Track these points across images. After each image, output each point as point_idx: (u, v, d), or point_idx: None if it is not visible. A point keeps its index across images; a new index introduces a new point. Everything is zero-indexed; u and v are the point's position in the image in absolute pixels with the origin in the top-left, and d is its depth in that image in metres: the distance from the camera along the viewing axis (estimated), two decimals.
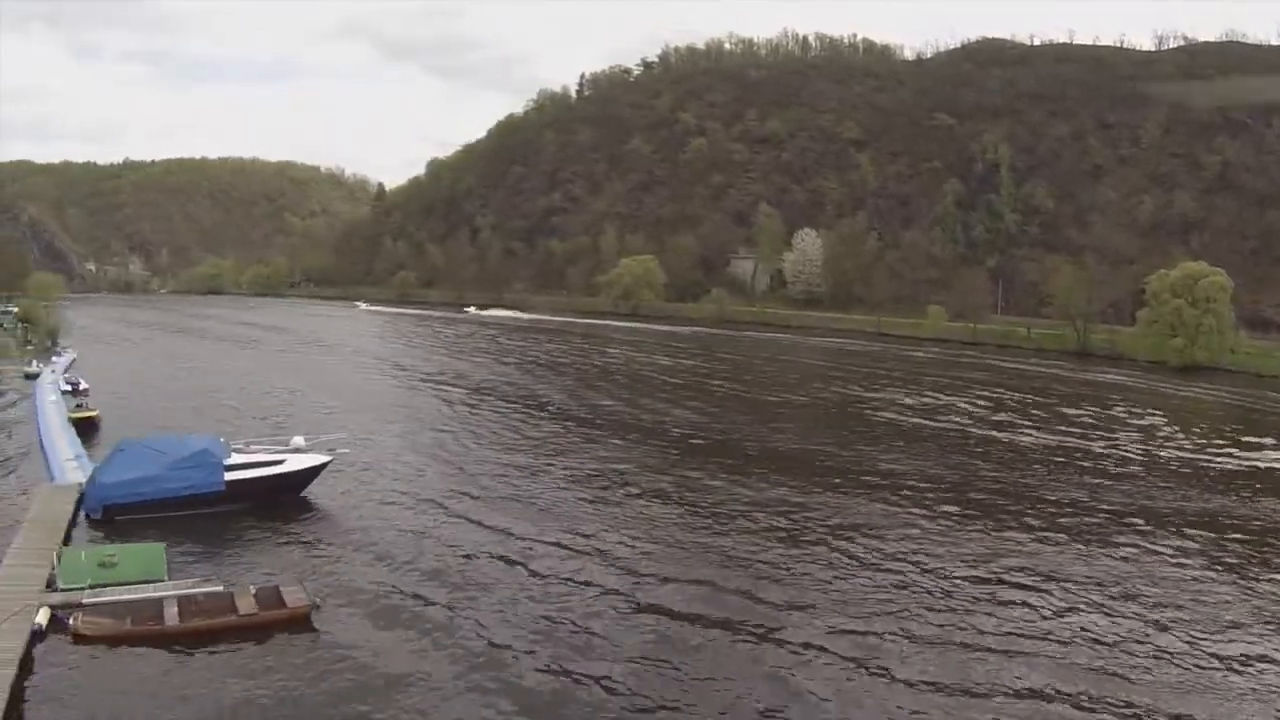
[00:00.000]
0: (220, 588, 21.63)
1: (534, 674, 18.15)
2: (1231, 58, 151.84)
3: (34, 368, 62.01)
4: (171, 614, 20.16)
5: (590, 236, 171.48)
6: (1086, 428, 51.20)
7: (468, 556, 24.75)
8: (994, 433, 48.69)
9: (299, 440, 30.49)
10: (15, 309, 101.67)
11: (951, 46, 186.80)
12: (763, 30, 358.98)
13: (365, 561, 24.48)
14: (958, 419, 52.84)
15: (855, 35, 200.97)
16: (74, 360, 67.36)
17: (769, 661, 18.84)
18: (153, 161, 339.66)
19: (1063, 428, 50.96)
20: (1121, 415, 56.53)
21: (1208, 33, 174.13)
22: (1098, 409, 58.78)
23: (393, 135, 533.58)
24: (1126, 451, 44.58)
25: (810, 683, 17.91)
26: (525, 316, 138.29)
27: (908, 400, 59.47)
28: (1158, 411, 58.84)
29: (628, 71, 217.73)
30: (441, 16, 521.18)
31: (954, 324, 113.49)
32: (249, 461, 29.22)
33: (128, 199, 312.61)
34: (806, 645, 19.51)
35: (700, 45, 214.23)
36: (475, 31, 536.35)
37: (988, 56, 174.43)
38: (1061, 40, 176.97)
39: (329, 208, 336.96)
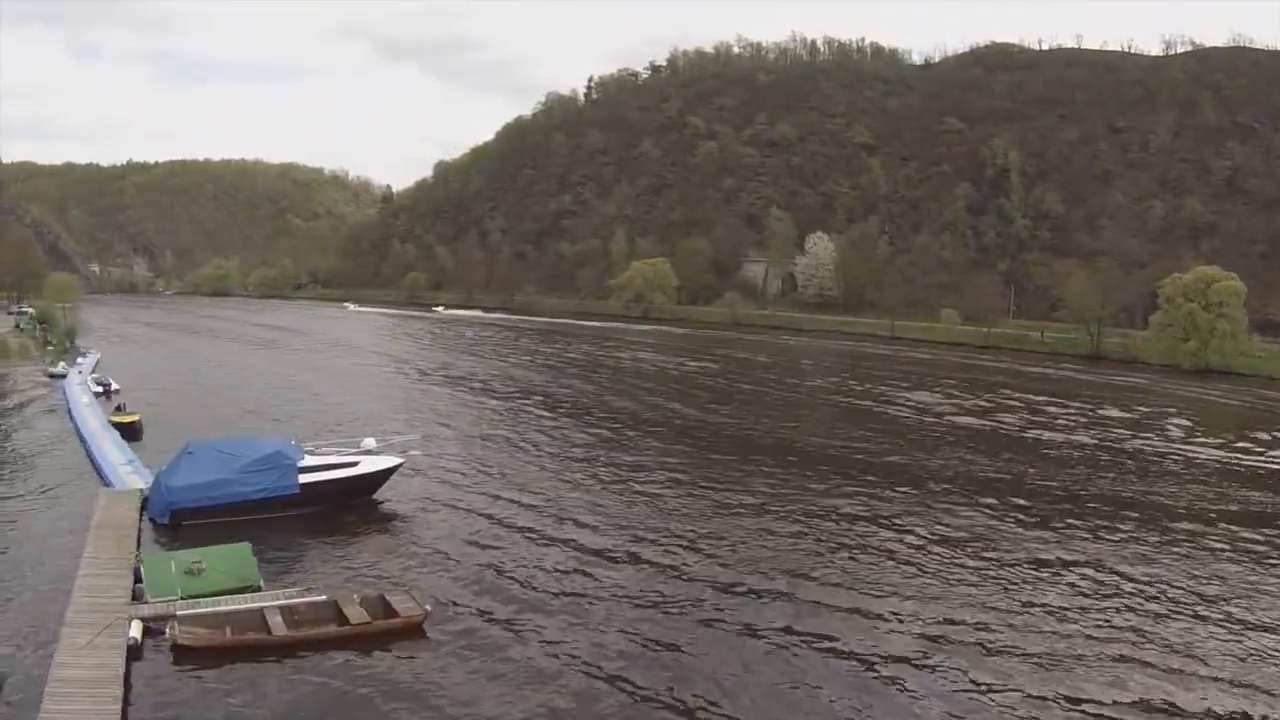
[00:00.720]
0: (323, 596, 20.66)
1: (648, 678, 17.66)
2: (1240, 63, 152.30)
3: (59, 368, 61.76)
4: (277, 623, 19.20)
5: (600, 239, 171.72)
6: (1122, 427, 51.86)
7: (554, 560, 24.28)
8: (1039, 432, 49.14)
9: (370, 442, 29.81)
10: (31, 310, 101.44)
11: (960, 51, 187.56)
12: (769, 33, 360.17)
13: (455, 566, 23.67)
14: (992, 419, 53.24)
15: (863, 39, 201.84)
16: (99, 361, 67.10)
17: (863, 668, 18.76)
18: (156, 163, 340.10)
19: (1098, 427, 51.46)
20: (1152, 415, 57.23)
21: (1215, 38, 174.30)
22: (1126, 409, 59.38)
23: (394, 136, 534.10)
24: (1166, 450, 45.08)
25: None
26: (489, 316, 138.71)
27: (939, 401, 59.67)
28: (1185, 412, 59.41)
29: (635, 75, 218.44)
30: (442, 17, 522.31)
31: (967, 327, 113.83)
32: (323, 464, 28.41)
33: (131, 200, 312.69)
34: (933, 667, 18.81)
35: (708, 49, 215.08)
36: (476, 32, 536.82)
37: (996, 61, 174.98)
38: (1070, 45, 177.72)
39: (333, 210, 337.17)
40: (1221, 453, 45.04)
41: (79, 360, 65.60)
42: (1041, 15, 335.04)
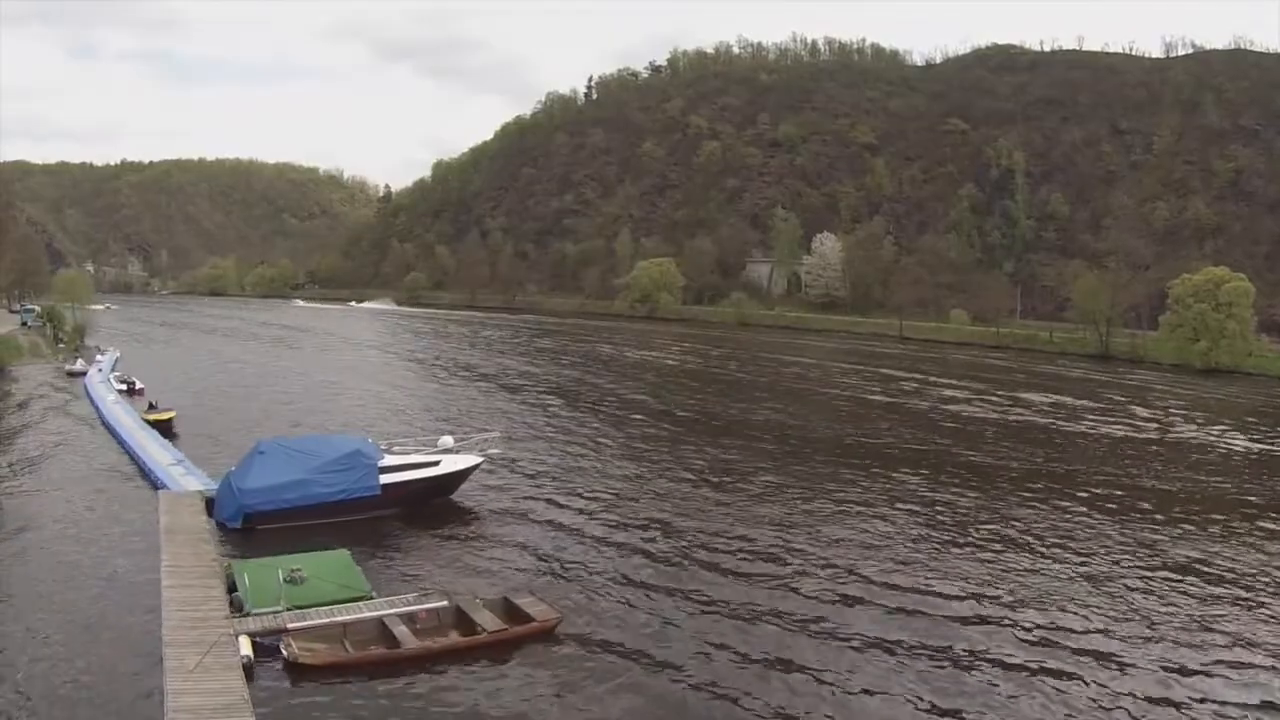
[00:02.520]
0: (444, 601, 19.31)
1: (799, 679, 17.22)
2: (1241, 65, 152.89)
3: (78, 366, 61.17)
4: (403, 634, 17.80)
5: (604, 239, 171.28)
6: (1152, 422, 52.37)
7: (653, 560, 23.74)
8: (1074, 425, 49.42)
9: (448, 440, 28.84)
10: (36, 308, 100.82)
11: (961, 52, 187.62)
12: (769, 34, 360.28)
13: (555, 567, 22.74)
14: (1022, 413, 53.67)
15: (864, 40, 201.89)
16: (118, 359, 66.35)
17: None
18: (151, 162, 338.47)
19: (1127, 420, 52.11)
20: (1180, 411, 58.09)
21: (1216, 40, 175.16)
22: (1152, 404, 60.04)
23: (390, 138, 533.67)
24: (1201, 442, 45.76)
25: None
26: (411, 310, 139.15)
27: (965, 398, 59.57)
28: (1208, 409, 59.87)
29: (635, 75, 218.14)
30: (439, 18, 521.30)
31: (976, 328, 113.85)
32: (404, 463, 27.26)
33: (127, 200, 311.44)
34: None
35: (709, 49, 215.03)
36: (473, 34, 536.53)
37: (999, 62, 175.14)
38: (1071, 46, 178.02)
39: (329, 209, 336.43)
40: (1260, 445, 45.53)
41: (97, 358, 64.76)
42: (1040, 17, 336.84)
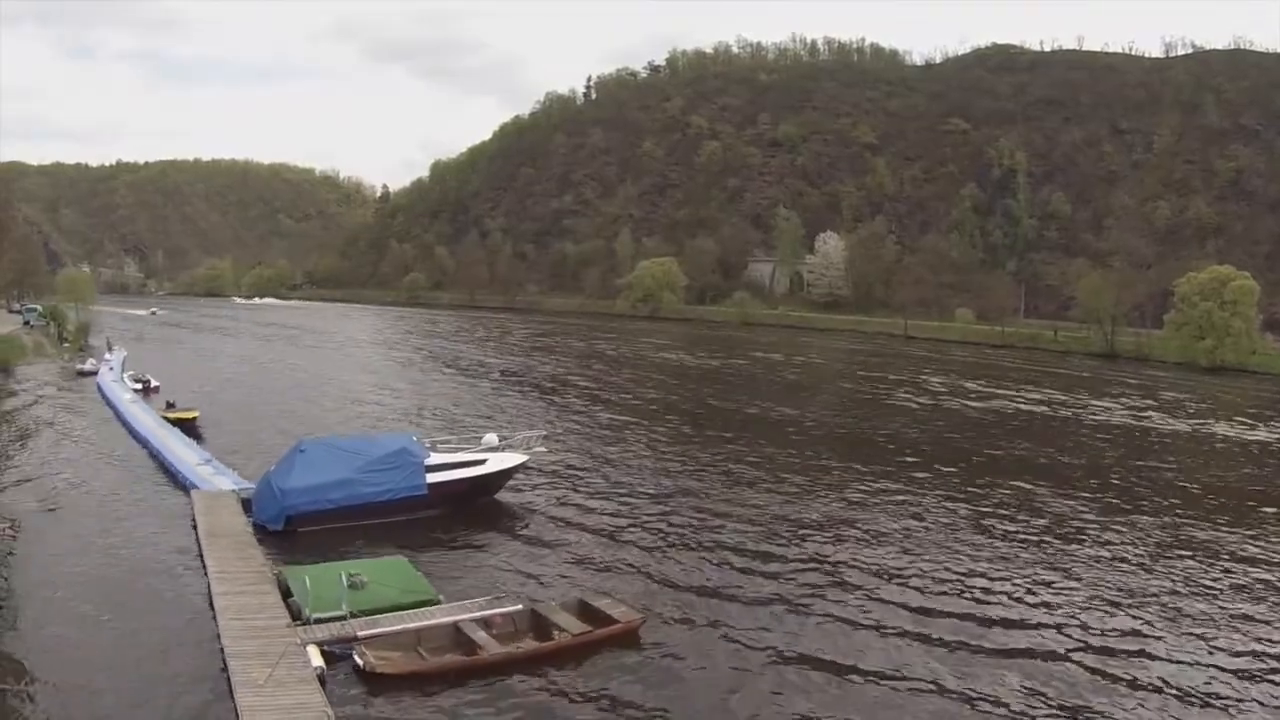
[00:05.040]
0: (519, 605, 18.49)
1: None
2: (1241, 65, 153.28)
3: (88, 365, 60.36)
4: (482, 639, 16.90)
5: (604, 239, 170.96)
6: (1182, 414, 53.14)
7: (713, 555, 23.32)
8: (1103, 417, 49.71)
9: (492, 438, 28.22)
10: (39, 307, 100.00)
11: (961, 52, 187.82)
12: (767, 35, 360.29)
13: (628, 568, 22.00)
14: (1045, 408, 53.96)
15: (863, 40, 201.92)
16: (126, 358, 65.54)
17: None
18: (146, 163, 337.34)
19: (1155, 412, 52.97)
20: (1203, 406, 58.70)
21: (1216, 41, 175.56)
22: (1170, 400, 60.26)
23: (387, 140, 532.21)
24: (1228, 435, 46.36)
25: None
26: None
27: (985, 393, 59.61)
28: (1227, 404, 60.50)
29: (634, 75, 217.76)
30: (436, 19, 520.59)
31: (981, 326, 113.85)
32: (450, 461, 26.41)
33: (122, 200, 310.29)
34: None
35: (708, 49, 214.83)
36: (470, 35, 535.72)
37: (999, 63, 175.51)
38: (1071, 47, 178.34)
39: (324, 210, 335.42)
40: None
41: (106, 357, 63.85)
42: (1039, 18, 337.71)
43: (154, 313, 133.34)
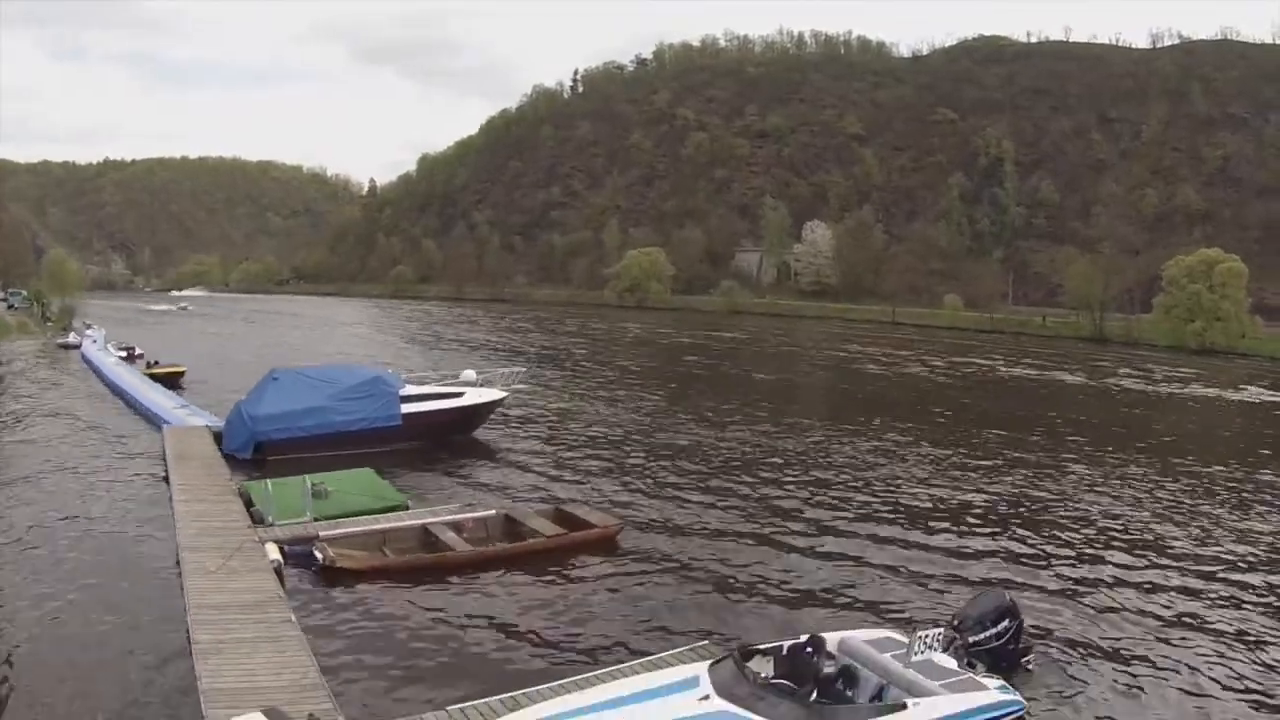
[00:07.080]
0: (492, 511, 18.10)
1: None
2: (1228, 55, 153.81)
3: (71, 339, 60.42)
4: (451, 539, 16.42)
5: (592, 230, 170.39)
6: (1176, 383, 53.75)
7: (699, 478, 23.36)
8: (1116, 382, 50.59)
9: (470, 374, 27.96)
10: (24, 291, 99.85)
11: (948, 44, 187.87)
12: (754, 28, 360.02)
13: (609, 487, 21.84)
14: (1060, 376, 54.79)
15: (850, 32, 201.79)
16: (105, 335, 65.29)
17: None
18: (134, 161, 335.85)
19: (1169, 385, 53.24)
20: (1208, 380, 58.72)
21: (1202, 31, 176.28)
22: (1170, 375, 60.51)
23: (374, 141, 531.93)
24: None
25: None
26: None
27: (967, 364, 59.64)
28: (1222, 379, 60.26)
29: (621, 68, 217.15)
30: (422, 20, 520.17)
31: (969, 313, 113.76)
32: (427, 393, 26.15)
33: (109, 198, 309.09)
34: None
35: (695, 42, 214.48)
36: (456, 36, 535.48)
37: (985, 54, 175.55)
38: (1058, 38, 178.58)
39: (312, 207, 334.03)
40: None
41: (87, 333, 63.93)
42: (1024, 12, 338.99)
43: (185, 308, 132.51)
